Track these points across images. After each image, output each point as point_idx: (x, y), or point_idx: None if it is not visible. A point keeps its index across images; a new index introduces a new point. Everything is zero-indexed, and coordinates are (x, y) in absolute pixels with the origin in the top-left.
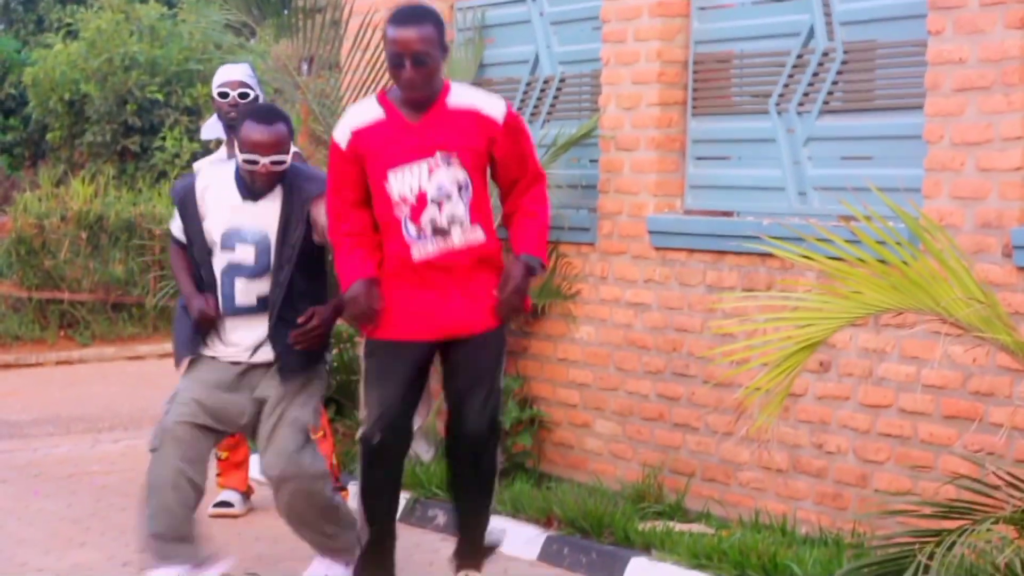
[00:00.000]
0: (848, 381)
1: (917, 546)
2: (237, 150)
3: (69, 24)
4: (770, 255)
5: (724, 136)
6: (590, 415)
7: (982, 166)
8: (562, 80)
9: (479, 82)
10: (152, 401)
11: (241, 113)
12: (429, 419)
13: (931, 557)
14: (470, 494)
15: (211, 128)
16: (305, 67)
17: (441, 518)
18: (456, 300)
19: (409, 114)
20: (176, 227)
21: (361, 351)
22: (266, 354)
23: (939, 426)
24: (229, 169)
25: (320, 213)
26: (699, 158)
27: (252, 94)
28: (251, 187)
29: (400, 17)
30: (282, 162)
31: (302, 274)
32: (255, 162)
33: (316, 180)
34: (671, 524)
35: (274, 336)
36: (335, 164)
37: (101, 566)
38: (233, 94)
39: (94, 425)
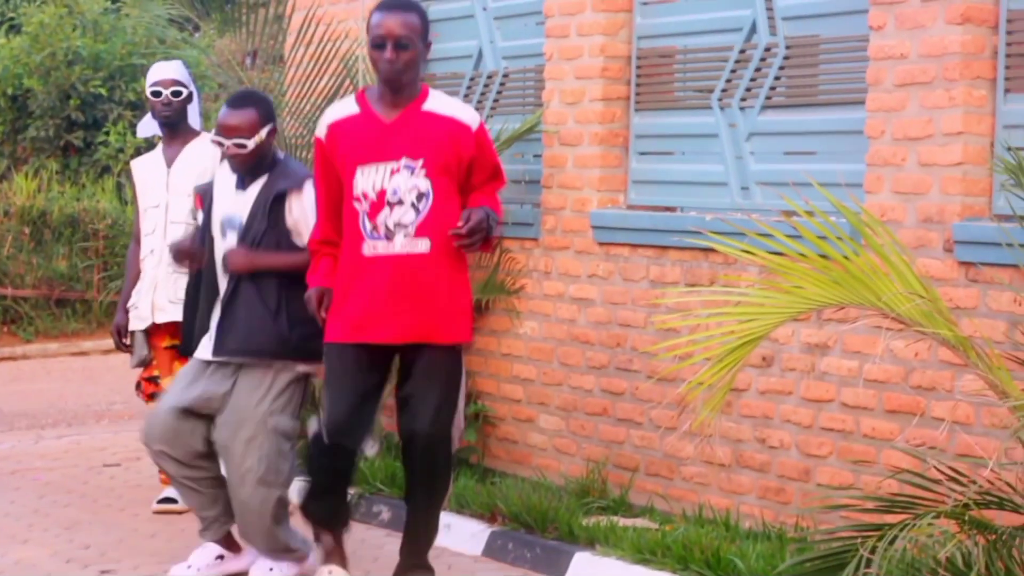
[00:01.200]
0: (791, 376)
1: (859, 540)
2: (212, 133)
3: (12, 18)
4: (713, 250)
5: (667, 131)
6: (534, 410)
7: (923, 161)
8: (505, 75)
9: (422, 77)
10: (96, 397)
11: (175, 110)
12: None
13: (873, 551)
14: (419, 496)
15: (147, 126)
16: (249, 61)
17: (386, 514)
18: (408, 306)
19: (383, 112)
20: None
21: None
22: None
23: (881, 420)
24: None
25: (293, 210)
26: (642, 153)
27: (185, 92)
28: (239, 174)
29: (386, 4)
30: (243, 145)
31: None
32: (220, 144)
33: (292, 176)
34: (615, 519)
35: (221, 328)
36: (318, 160)
37: (44, 563)
38: (166, 92)
39: (37, 421)
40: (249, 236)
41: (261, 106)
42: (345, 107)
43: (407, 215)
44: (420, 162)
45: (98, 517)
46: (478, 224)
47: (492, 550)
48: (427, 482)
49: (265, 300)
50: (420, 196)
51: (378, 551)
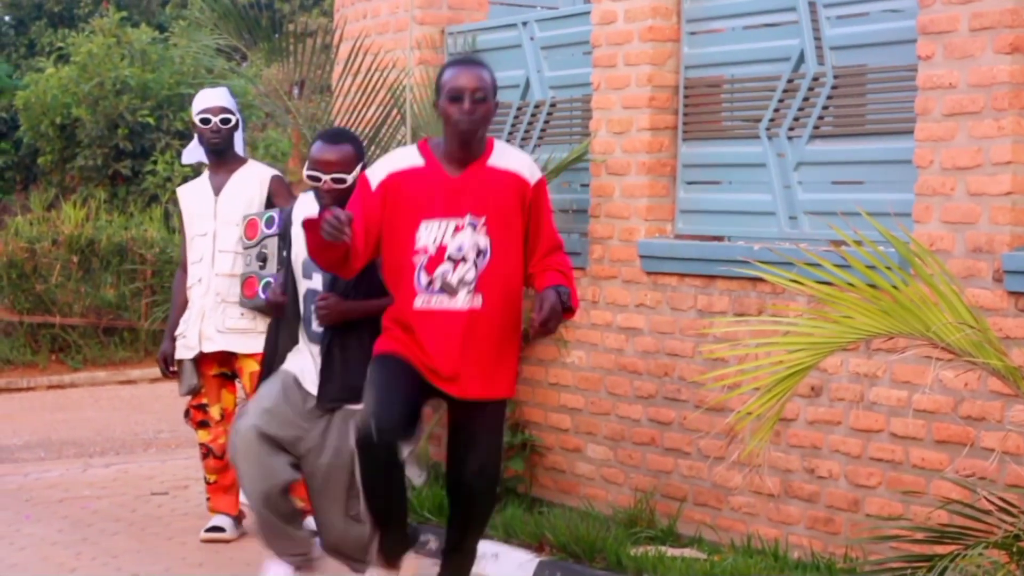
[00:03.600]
0: (839, 406)
1: (909, 571)
2: (305, 168)
3: (60, 48)
4: (761, 280)
5: (715, 161)
6: (582, 440)
7: (972, 191)
8: (553, 105)
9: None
10: (143, 425)
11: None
12: (421, 443)
13: None
14: (462, 530)
15: (192, 153)
16: (296, 91)
17: (433, 543)
18: (464, 363)
19: (449, 168)
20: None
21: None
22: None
23: (931, 451)
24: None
25: None
26: (690, 183)
27: (233, 119)
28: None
29: (460, 60)
30: (343, 180)
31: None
32: (317, 179)
33: None
34: (663, 549)
35: (323, 376)
36: (359, 199)
37: None
38: (215, 120)
39: (85, 449)
40: (340, 284)
41: (356, 143)
42: (407, 157)
43: (469, 273)
44: (483, 219)
45: (145, 545)
46: (551, 312)
47: None
48: (474, 524)
49: (363, 344)
50: (479, 253)
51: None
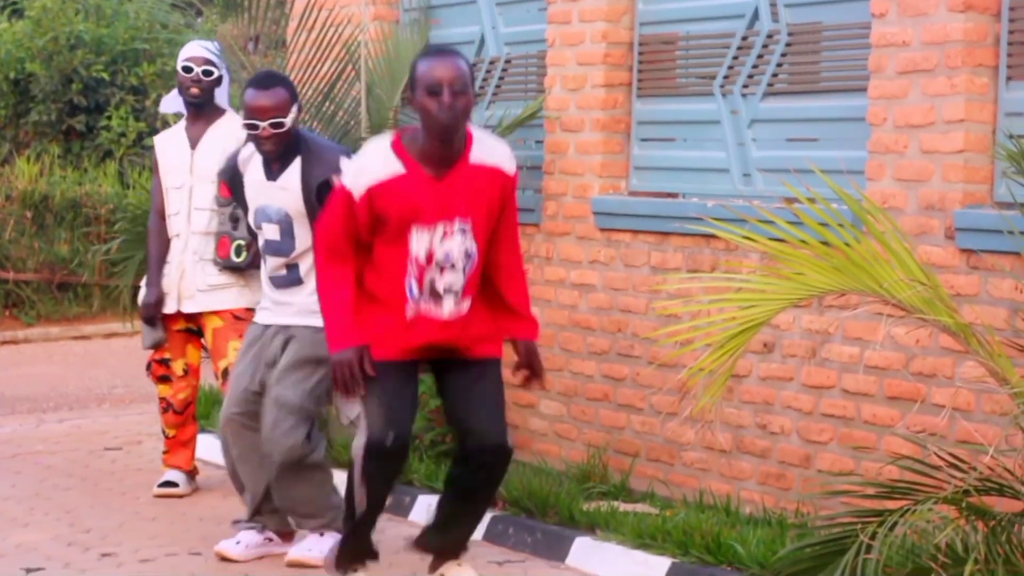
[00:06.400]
0: (791, 362)
1: (859, 526)
2: (241, 117)
3: (14, 3)
4: (714, 236)
5: (669, 118)
6: (535, 396)
7: (925, 148)
8: (508, 61)
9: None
10: (97, 381)
11: (203, 89)
12: None
13: (873, 537)
14: (477, 503)
15: (171, 102)
16: (251, 46)
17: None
18: (454, 340)
19: (431, 169)
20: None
21: None
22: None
23: (882, 407)
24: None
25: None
26: (644, 139)
27: (216, 73)
28: (268, 163)
29: (433, 52)
30: (281, 124)
31: None
32: (255, 127)
33: (326, 160)
34: (616, 504)
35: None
36: (341, 206)
37: (45, 546)
38: (197, 70)
39: (39, 405)
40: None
41: (287, 84)
42: (386, 164)
43: (457, 279)
44: (470, 224)
45: (99, 501)
46: (539, 367)
47: (493, 535)
48: (487, 487)
49: None
50: (467, 256)
51: (379, 535)
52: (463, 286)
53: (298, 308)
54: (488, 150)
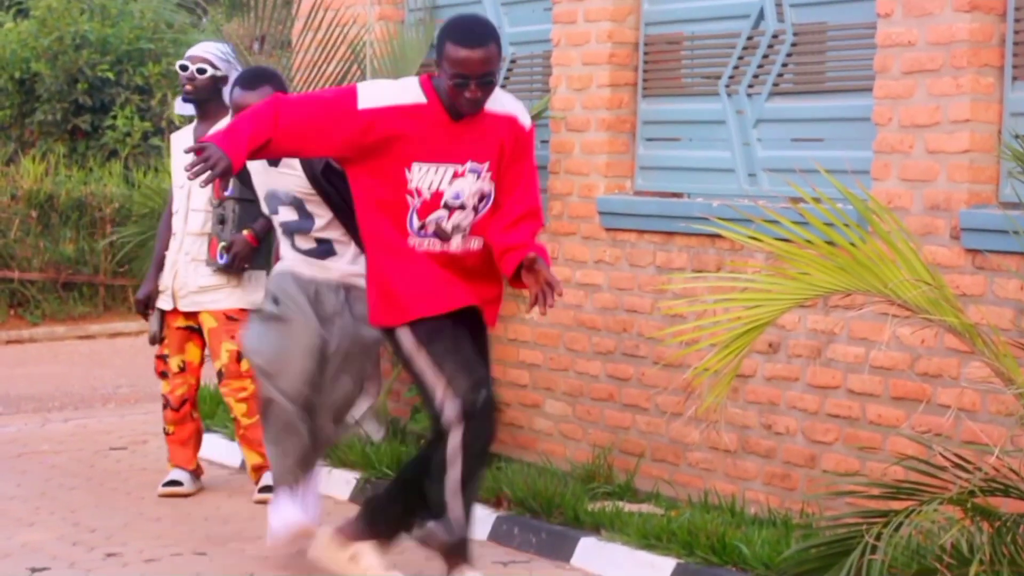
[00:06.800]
0: (797, 362)
1: (865, 527)
2: (230, 116)
3: (19, 2)
4: (720, 236)
5: (674, 118)
6: (540, 395)
7: (931, 148)
8: (513, 61)
9: (430, 63)
10: (102, 380)
11: (197, 88)
12: (379, 399)
13: (878, 537)
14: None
15: (184, 104)
16: (257, 46)
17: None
18: (465, 284)
19: (451, 111)
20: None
21: (404, 341)
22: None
23: (887, 407)
24: None
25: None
26: (649, 139)
27: (210, 71)
28: None
29: (464, 36)
30: None
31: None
32: None
33: None
34: (620, 504)
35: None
36: (331, 104)
37: (50, 545)
38: (192, 68)
39: (44, 404)
40: (330, 197)
41: (275, 81)
42: (410, 92)
43: (467, 219)
44: (486, 165)
45: (104, 500)
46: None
47: (498, 535)
48: (486, 447)
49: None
50: (482, 198)
51: None
52: (470, 224)
53: (343, 272)
54: (504, 101)
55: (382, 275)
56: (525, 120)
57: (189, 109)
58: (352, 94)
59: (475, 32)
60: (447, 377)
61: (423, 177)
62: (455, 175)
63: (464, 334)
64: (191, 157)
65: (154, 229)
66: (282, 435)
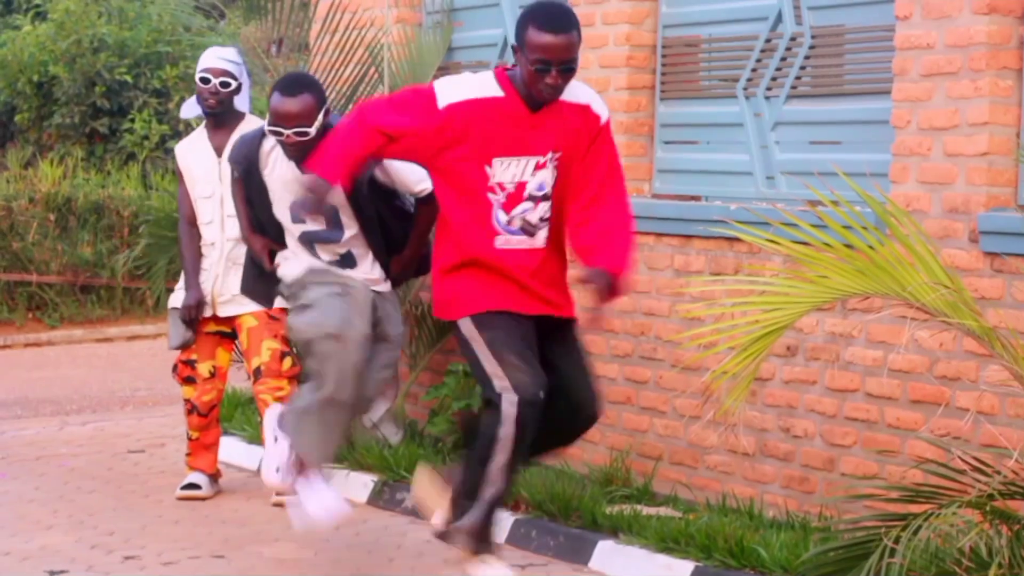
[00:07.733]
0: (815, 365)
1: (883, 530)
2: (266, 121)
3: (38, 6)
4: (737, 239)
5: (692, 120)
6: None
7: (949, 151)
8: None
9: (447, 66)
10: (120, 383)
11: (220, 101)
12: (397, 402)
13: (897, 541)
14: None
15: (191, 107)
16: (274, 49)
17: (409, 501)
18: (539, 286)
19: (528, 102)
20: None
21: (465, 328)
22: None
23: (906, 410)
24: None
25: (386, 174)
26: (667, 142)
27: (234, 84)
28: (298, 161)
29: (548, 21)
30: (306, 133)
31: (392, 220)
32: (280, 133)
33: None
34: (638, 507)
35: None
36: (409, 105)
37: (69, 548)
38: (215, 82)
39: (62, 407)
40: (364, 210)
41: (315, 89)
42: (487, 86)
43: (548, 211)
44: (560, 155)
45: (122, 503)
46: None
47: (515, 538)
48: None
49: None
50: (552, 191)
51: (401, 538)
52: (549, 216)
53: (365, 278)
54: (580, 90)
55: (456, 272)
56: (600, 109)
57: (196, 111)
58: (429, 95)
59: (559, 18)
60: (507, 369)
61: (505, 171)
62: (538, 166)
63: (531, 335)
64: (212, 169)
65: (173, 232)
66: (331, 416)
